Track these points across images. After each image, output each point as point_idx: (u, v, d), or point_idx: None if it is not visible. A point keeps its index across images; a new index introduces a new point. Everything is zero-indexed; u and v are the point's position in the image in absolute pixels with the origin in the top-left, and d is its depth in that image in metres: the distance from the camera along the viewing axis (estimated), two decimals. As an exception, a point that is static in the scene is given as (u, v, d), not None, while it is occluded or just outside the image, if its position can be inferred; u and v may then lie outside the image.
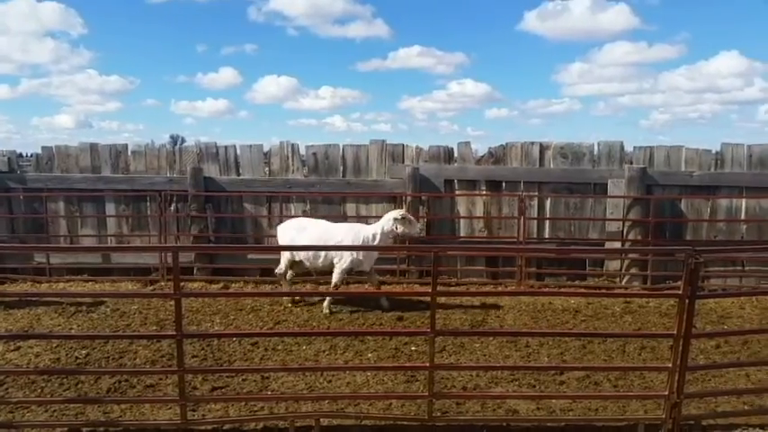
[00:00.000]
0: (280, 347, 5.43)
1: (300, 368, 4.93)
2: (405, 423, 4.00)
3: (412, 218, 6.75)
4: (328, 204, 8.41)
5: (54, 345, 5.47)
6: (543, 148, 8.25)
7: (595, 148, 8.25)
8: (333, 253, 6.58)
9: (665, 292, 7.17)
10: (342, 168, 8.43)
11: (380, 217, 8.05)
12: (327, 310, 6.60)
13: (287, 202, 8.45)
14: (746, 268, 8.07)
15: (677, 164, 8.11)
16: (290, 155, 8.51)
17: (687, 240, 7.98)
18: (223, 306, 6.79)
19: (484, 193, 8.32)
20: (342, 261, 6.61)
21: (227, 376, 4.79)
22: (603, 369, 4.96)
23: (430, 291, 3.72)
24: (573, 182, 8.16)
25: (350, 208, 8.36)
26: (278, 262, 7.97)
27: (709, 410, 4.19)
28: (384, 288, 7.20)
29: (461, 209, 8.39)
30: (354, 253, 6.52)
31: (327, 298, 6.67)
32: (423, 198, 8.09)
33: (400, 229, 6.58)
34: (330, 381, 4.72)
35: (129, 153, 8.65)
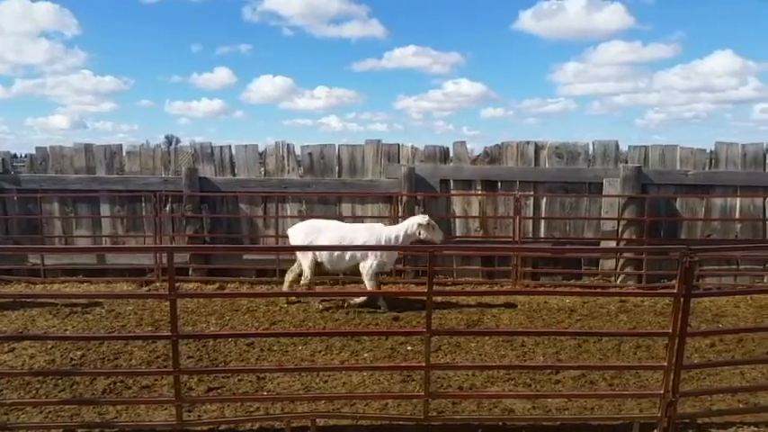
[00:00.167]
0: (276, 348, 5.42)
1: (296, 368, 4.93)
2: (401, 423, 4.00)
3: (435, 224, 6.77)
4: (324, 204, 8.40)
5: (49, 346, 5.44)
6: (538, 148, 8.27)
7: (590, 147, 8.27)
8: (358, 255, 6.59)
9: (661, 290, 7.20)
10: (337, 168, 8.42)
11: (376, 217, 8.07)
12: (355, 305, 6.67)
13: (282, 203, 8.44)
14: (741, 267, 8.11)
15: (672, 163, 8.15)
16: (285, 155, 8.50)
17: (682, 239, 8.02)
18: (219, 307, 6.77)
19: (479, 192, 8.33)
20: (369, 265, 6.60)
21: (222, 377, 4.77)
22: (599, 368, 4.97)
23: (426, 290, 3.72)
24: (568, 181, 8.19)
25: (345, 208, 8.36)
26: (274, 262, 7.98)
27: (704, 409, 4.21)
28: (380, 288, 7.20)
29: (457, 208, 8.40)
30: (378, 255, 6.56)
31: (357, 299, 6.75)
32: (418, 198, 8.10)
33: (423, 234, 6.61)
34: (326, 381, 4.72)
35: (124, 153, 8.62)
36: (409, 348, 5.43)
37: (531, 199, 8.25)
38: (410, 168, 8.05)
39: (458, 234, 8.41)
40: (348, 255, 6.63)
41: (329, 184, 8.32)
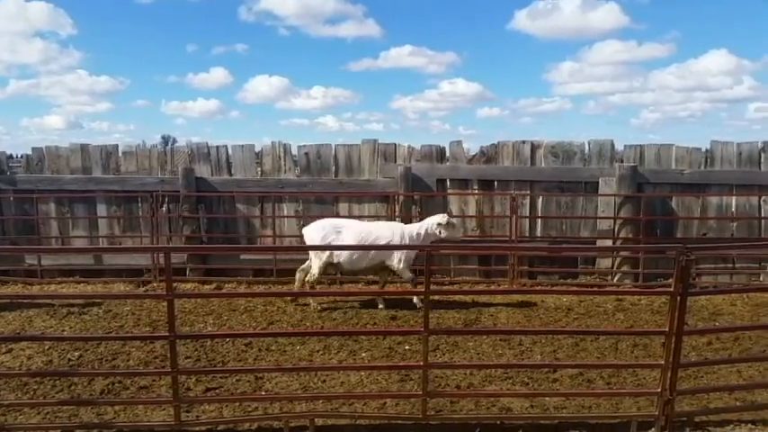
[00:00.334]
0: (273, 348, 5.42)
1: (294, 368, 4.93)
2: (399, 422, 4.00)
3: (455, 222, 6.78)
4: (321, 204, 8.41)
5: (46, 347, 5.43)
6: (534, 147, 8.28)
7: (586, 146, 8.29)
8: (387, 252, 6.57)
9: (657, 289, 7.21)
10: (334, 168, 8.42)
11: (374, 217, 8.07)
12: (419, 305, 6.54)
13: (279, 202, 8.43)
14: (737, 265, 8.14)
15: (668, 162, 8.17)
16: (282, 155, 8.50)
17: (678, 238, 8.05)
18: (216, 307, 6.77)
19: (476, 192, 8.34)
20: (398, 258, 6.58)
21: (220, 377, 4.77)
22: (596, 366, 4.99)
23: (423, 290, 3.72)
24: (564, 180, 8.21)
25: (342, 208, 8.36)
26: (271, 262, 7.97)
27: (701, 407, 4.22)
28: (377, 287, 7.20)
29: (454, 208, 8.41)
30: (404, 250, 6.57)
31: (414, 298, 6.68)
32: (415, 197, 8.10)
33: (444, 233, 6.62)
34: (324, 380, 4.72)
35: (120, 154, 8.61)
36: (407, 348, 5.44)
37: (528, 198, 8.26)
38: (407, 168, 8.05)
39: (455, 233, 8.41)
40: (371, 253, 6.57)
41: (326, 184, 8.32)
